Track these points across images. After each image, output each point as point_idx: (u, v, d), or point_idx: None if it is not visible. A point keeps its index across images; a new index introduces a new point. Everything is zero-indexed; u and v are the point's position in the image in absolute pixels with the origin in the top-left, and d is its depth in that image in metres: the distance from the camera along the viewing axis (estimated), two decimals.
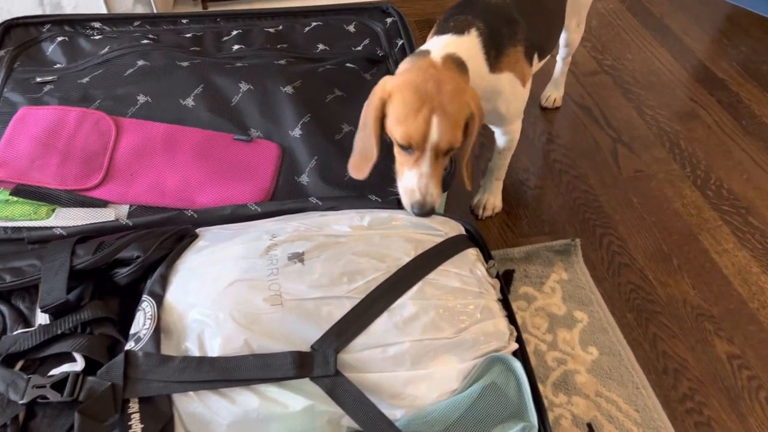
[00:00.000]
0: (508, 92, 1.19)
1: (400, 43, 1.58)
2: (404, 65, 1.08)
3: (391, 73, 1.50)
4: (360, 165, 1.09)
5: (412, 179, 1.02)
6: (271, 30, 1.56)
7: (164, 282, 0.91)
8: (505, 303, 1.02)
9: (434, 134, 0.98)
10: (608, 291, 1.31)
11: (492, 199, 1.45)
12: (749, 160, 1.64)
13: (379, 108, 1.02)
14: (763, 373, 1.18)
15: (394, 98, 1.00)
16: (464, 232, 1.05)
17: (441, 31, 1.12)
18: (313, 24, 1.60)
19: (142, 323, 0.86)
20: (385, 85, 1.03)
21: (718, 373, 1.18)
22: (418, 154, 1.00)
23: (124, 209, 1.16)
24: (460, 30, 1.10)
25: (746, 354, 1.21)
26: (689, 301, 1.30)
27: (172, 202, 1.17)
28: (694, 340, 1.23)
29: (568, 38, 1.58)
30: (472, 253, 1.02)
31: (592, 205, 1.50)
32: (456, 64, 1.06)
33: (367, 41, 1.58)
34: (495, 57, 1.12)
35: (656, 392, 1.14)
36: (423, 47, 1.11)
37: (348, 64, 1.48)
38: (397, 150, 1.04)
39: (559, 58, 1.67)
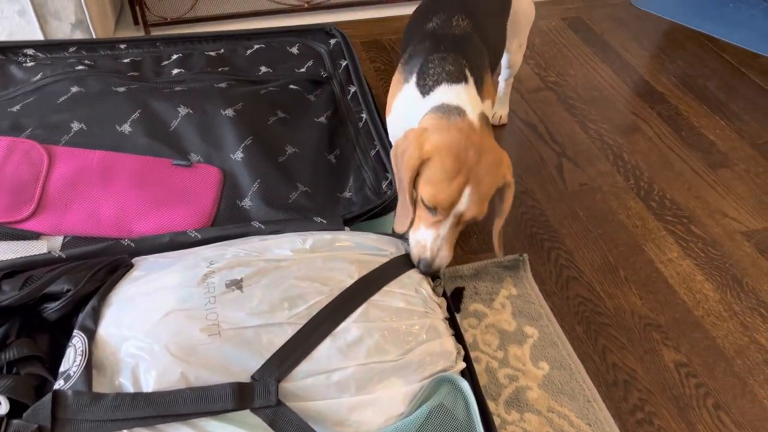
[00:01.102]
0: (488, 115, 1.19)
1: (344, 64, 1.58)
2: (438, 120, 1.03)
3: (336, 95, 1.50)
4: (400, 218, 1.05)
5: (427, 237, 0.99)
6: (212, 53, 1.54)
7: (96, 315, 0.87)
8: (453, 322, 1.01)
9: (463, 204, 0.97)
10: (557, 305, 1.32)
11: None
12: (689, 171, 1.68)
13: (415, 168, 0.99)
14: (710, 380, 1.19)
15: (433, 161, 0.97)
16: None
17: (445, 78, 1.08)
18: (256, 46, 1.59)
19: (72, 360, 0.82)
20: (423, 143, 0.99)
21: (666, 383, 1.19)
22: (441, 218, 0.98)
23: (58, 241, 1.12)
24: (463, 76, 1.09)
25: (693, 362, 1.22)
26: (636, 312, 1.31)
27: (108, 232, 1.13)
28: (642, 350, 1.24)
29: (510, 59, 1.60)
30: (417, 273, 1.01)
31: (539, 220, 1.51)
32: (487, 123, 1.04)
33: (310, 63, 1.58)
34: (479, 86, 1.12)
35: (607, 404, 1.14)
36: (447, 99, 1.05)
37: (291, 86, 1.47)
38: (420, 206, 1.01)
39: (501, 78, 1.69)
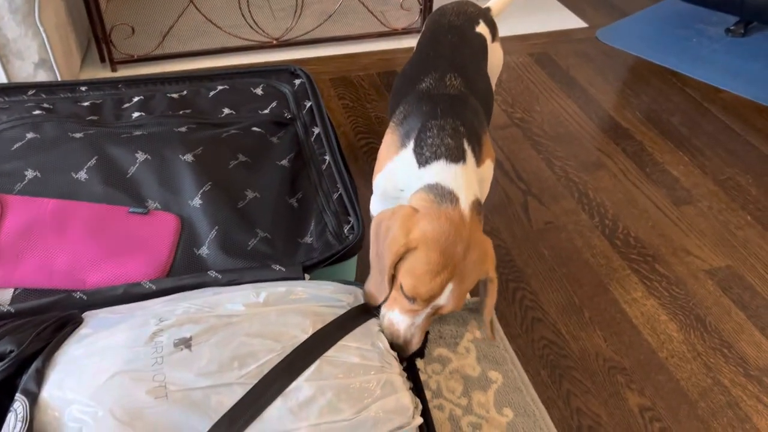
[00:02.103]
0: (488, 177, 1.18)
1: (308, 104, 1.57)
2: (429, 203, 1.00)
3: (299, 137, 1.49)
4: (375, 290, 1.02)
5: (401, 323, 0.97)
6: (175, 95, 1.53)
7: (40, 377, 0.84)
8: (412, 370, 1.00)
9: (443, 299, 0.95)
10: (522, 347, 1.31)
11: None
12: (653, 207, 1.69)
13: (399, 254, 0.96)
14: (674, 424, 1.18)
15: (419, 253, 0.95)
16: None
17: (443, 154, 1.05)
18: (219, 88, 1.58)
19: (12, 426, 0.79)
20: (410, 228, 0.97)
21: (630, 428, 1.18)
22: (418, 307, 0.96)
23: (8, 294, 1.09)
24: (462, 153, 1.06)
25: (657, 405, 1.21)
26: (601, 354, 1.30)
27: (61, 283, 1.10)
28: (606, 394, 1.23)
29: None
30: (374, 324, 0.99)
31: (504, 260, 1.50)
32: (477, 212, 1.02)
33: (274, 104, 1.57)
34: (478, 152, 1.10)
35: None
36: (440, 180, 1.02)
37: (254, 128, 1.46)
38: (398, 289, 0.98)
39: None
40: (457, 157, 1.05)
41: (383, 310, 1.00)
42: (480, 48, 1.39)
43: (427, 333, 1.31)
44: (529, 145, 1.89)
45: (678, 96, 2.17)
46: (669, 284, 1.47)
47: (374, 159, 1.76)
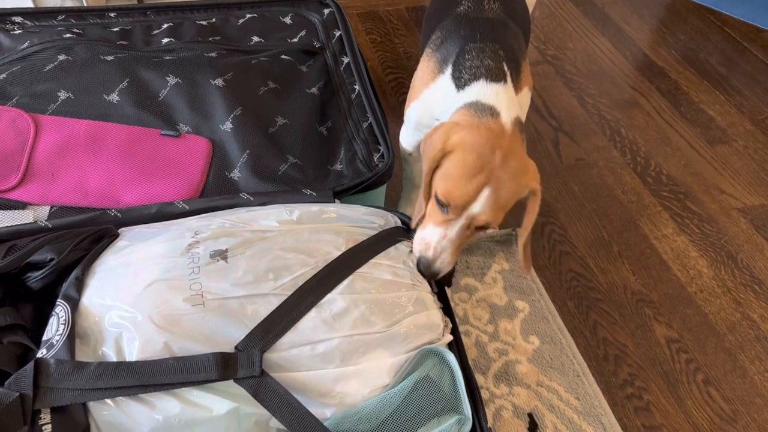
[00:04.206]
0: (526, 105, 1.15)
1: (337, 34, 1.55)
2: (470, 117, 0.99)
3: (329, 66, 1.47)
4: (416, 211, 1.01)
5: (433, 235, 0.95)
6: (204, 23, 1.52)
7: (80, 285, 0.86)
8: (442, 296, 1.01)
9: (477, 206, 0.91)
10: (549, 279, 1.31)
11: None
12: (687, 146, 1.66)
13: (436, 160, 0.95)
14: (701, 356, 1.19)
15: (455, 155, 0.93)
16: (399, 224, 1.03)
17: (483, 75, 1.03)
18: (248, 16, 1.56)
19: (55, 329, 0.81)
20: (449, 136, 0.95)
21: (657, 358, 1.18)
22: (452, 216, 0.93)
23: (45, 210, 1.10)
24: (502, 74, 1.03)
25: (684, 338, 1.22)
26: (629, 287, 1.30)
27: (95, 202, 1.12)
28: (633, 325, 1.23)
29: None
30: (406, 245, 0.99)
31: None
32: (519, 129, 0.99)
33: (303, 33, 1.55)
34: (516, 77, 1.07)
35: (597, 379, 1.14)
36: (482, 98, 1.00)
37: (283, 56, 1.44)
38: (433, 202, 0.97)
39: None
40: (497, 77, 1.03)
41: (417, 231, 0.99)
42: None
43: (455, 265, 1.32)
44: (561, 83, 1.85)
45: (716, 35, 2.10)
46: (701, 221, 1.45)
47: (402, 94, 1.74)
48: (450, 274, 1.29)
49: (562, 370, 1.14)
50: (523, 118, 1.18)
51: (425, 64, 1.16)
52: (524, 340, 1.19)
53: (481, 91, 1.02)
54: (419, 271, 0.96)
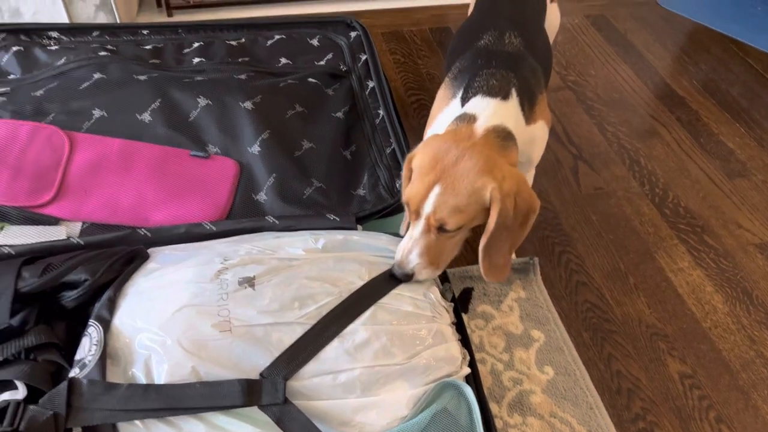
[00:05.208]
0: (540, 139, 1.17)
1: (363, 58, 1.58)
2: (450, 125, 1.03)
3: (354, 90, 1.50)
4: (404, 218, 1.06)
5: (404, 240, 0.98)
6: (233, 43, 1.55)
7: (112, 306, 0.89)
8: (459, 326, 1.03)
9: (428, 204, 0.93)
10: (565, 309, 1.32)
11: None
12: (706, 179, 1.67)
13: (407, 166, 0.99)
14: (714, 393, 1.20)
15: (417, 158, 0.97)
16: None
17: (484, 91, 1.05)
18: (276, 37, 1.60)
19: (87, 349, 0.84)
20: (420, 143, 1.00)
21: (670, 393, 1.19)
22: (414, 217, 0.96)
23: (77, 227, 1.14)
24: (504, 93, 1.05)
25: (698, 373, 1.23)
26: (644, 320, 1.31)
27: (125, 220, 1.15)
28: (647, 359, 1.25)
29: None
30: None
31: (552, 223, 1.51)
32: (500, 137, 1.00)
33: (330, 55, 1.58)
34: (529, 109, 1.09)
35: (610, 412, 1.15)
36: (468, 109, 1.03)
37: (310, 79, 1.48)
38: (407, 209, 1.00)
39: None
40: (495, 93, 1.04)
41: None
42: (541, 7, 1.37)
43: (471, 289, 1.34)
44: (582, 109, 1.87)
45: (739, 66, 2.11)
46: (717, 256, 1.46)
47: (424, 116, 1.77)
48: (467, 301, 1.31)
49: (576, 402, 1.16)
50: (537, 152, 1.20)
51: (441, 92, 1.19)
52: (539, 370, 1.20)
53: (474, 104, 1.04)
54: (395, 276, 0.97)
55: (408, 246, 0.97)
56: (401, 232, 1.10)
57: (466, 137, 0.97)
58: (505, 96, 1.05)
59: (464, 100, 1.07)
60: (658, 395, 1.19)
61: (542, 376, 1.20)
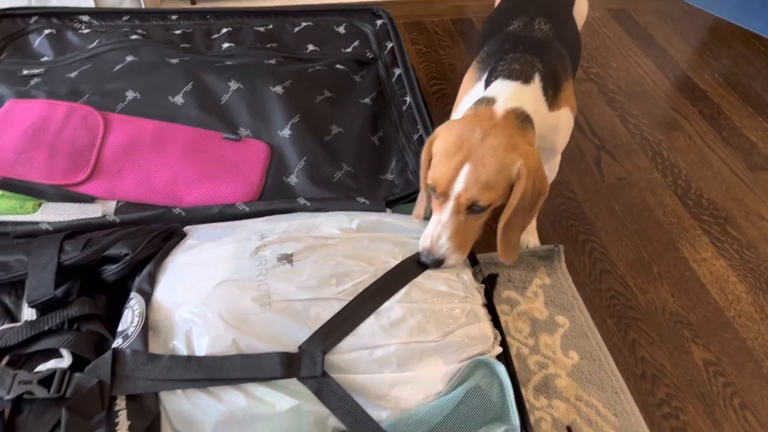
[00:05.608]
0: (565, 126, 1.17)
1: (389, 45, 1.59)
2: (468, 110, 1.03)
3: (381, 77, 1.51)
4: (417, 209, 1.06)
5: (431, 225, 0.97)
6: (261, 29, 1.57)
7: (152, 280, 0.91)
8: (490, 308, 1.04)
9: (458, 184, 0.92)
10: (589, 296, 1.33)
11: (529, 238, 1.41)
12: (728, 171, 1.67)
13: (427, 150, 0.99)
14: (738, 380, 1.20)
15: (437, 140, 0.97)
16: None
17: (506, 74, 1.06)
18: (303, 24, 1.61)
19: (130, 320, 0.86)
20: (435, 131, 1.00)
21: (694, 379, 1.20)
22: (442, 200, 0.95)
23: (111, 205, 1.16)
24: (526, 76, 1.05)
25: (722, 361, 1.24)
26: (668, 309, 1.32)
27: (159, 200, 1.17)
28: (671, 346, 1.25)
29: None
30: None
31: (575, 212, 1.52)
32: (519, 119, 1.00)
33: (356, 43, 1.59)
34: (553, 95, 1.09)
35: (634, 397, 1.16)
36: (489, 92, 1.04)
37: (337, 66, 1.49)
38: (431, 192, 0.99)
39: None
40: (517, 77, 1.05)
41: None
42: None
43: (496, 275, 1.35)
44: (604, 101, 1.88)
45: (761, 61, 2.11)
46: (740, 247, 1.46)
47: (447, 105, 1.78)
48: (492, 286, 1.32)
49: (601, 386, 1.17)
50: (560, 140, 1.20)
51: (468, 75, 1.20)
52: (564, 355, 1.22)
53: (495, 86, 1.04)
54: (424, 263, 0.96)
55: (436, 231, 0.96)
56: (414, 220, 1.09)
57: (488, 118, 0.98)
58: (526, 80, 1.05)
59: (488, 84, 1.08)
60: (682, 381, 1.20)
61: (567, 361, 1.21)
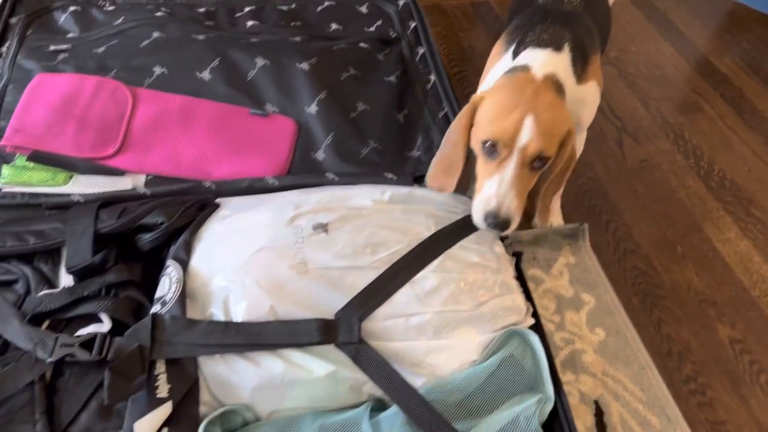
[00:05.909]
0: (592, 101, 1.16)
1: (412, 25, 1.59)
2: (500, 80, 1.02)
3: (404, 56, 1.51)
4: (443, 178, 1.04)
5: (491, 187, 0.92)
6: (284, 8, 1.57)
7: (188, 248, 0.92)
8: (521, 280, 1.04)
9: (524, 135, 0.89)
10: (614, 275, 1.33)
11: (553, 217, 1.39)
12: (751, 153, 1.67)
13: (468, 115, 0.97)
14: (764, 358, 1.20)
15: (487, 101, 0.95)
16: None
17: (535, 43, 1.05)
18: (326, 3, 1.61)
19: (167, 287, 0.87)
20: (475, 98, 0.98)
21: (720, 357, 1.20)
22: (504, 155, 0.91)
23: (141, 179, 1.16)
24: (557, 45, 1.04)
25: (747, 339, 1.24)
26: (693, 287, 1.32)
27: (188, 174, 1.17)
28: (697, 324, 1.26)
29: None
30: (489, 231, 1.03)
31: (598, 192, 1.52)
32: (556, 85, 0.99)
33: (379, 22, 1.59)
34: (581, 68, 1.08)
35: (661, 373, 1.16)
36: (520, 60, 1.03)
37: (361, 44, 1.49)
38: (480, 160, 0.96)
39: None
40: (546, 44, 1.04)
41: (474, 199, 0.96)
42: None
43: (521, 253, 1.35)
44: (624, 84, 1.87)
45: None
46: (764, 227, 1.46)
47: (467, 87, 1.78)
48: (517, 263, 1.32)
49: (627, 362, 1.17)
50: (588, 116, 1.20)
51: (495, 48, 1.19)
52: (590, 332, 1.22)
53: (526, 55, 1.04)
54: (489, 228, 0.93)
55: (501, 190, 0.91)
56: (440, 192, 1.06)
57: (530, 79, 0.97)
58: (557, 48, 1.05)
59: (516, 54, 1.08)
60: (708, 359, 1.20)
61: (593, 337, 1.21)
